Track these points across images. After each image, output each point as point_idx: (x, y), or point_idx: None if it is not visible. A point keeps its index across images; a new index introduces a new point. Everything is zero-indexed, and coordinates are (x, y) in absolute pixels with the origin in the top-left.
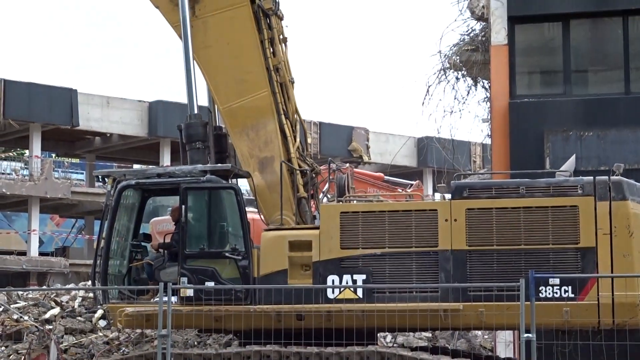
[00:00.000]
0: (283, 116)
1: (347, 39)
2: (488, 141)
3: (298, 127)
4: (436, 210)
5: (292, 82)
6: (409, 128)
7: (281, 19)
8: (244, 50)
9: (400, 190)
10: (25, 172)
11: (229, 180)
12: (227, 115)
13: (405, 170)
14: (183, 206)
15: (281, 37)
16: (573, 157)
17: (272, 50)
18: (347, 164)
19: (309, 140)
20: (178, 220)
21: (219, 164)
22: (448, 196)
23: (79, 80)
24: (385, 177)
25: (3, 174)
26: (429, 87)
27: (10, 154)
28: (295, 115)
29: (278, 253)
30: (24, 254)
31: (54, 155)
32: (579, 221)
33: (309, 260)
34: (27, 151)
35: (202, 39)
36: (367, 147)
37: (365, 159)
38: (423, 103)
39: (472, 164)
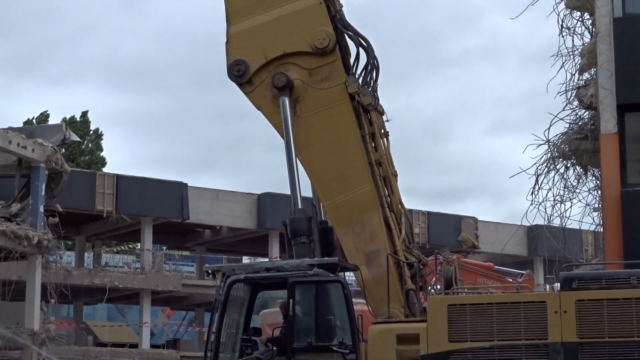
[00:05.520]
0: (387, 209)
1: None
2: (600, 229)
3: (403, 219)
4: (545, 302)
5: (395, 175)
6: (518, 216)
7: (382, 113)
8: (345, 146)
9: (511, 280)
10: (137, 265)
11: (336, 273)
12: (331, 211)
13: (515, 259)
14: (291, 300)
15: (382, 131)
16: None
17: (373, 145)
18: (455, 255)
19: (417, 230)
20: (287, 314)
21: (326, 258)
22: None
23: (189, 173)
24: (495, 266)
25: (116, 267)
26: (537, 176)
27: (123, 247)
28: (400, 207)
29: (386, 346)
30: (135, 346)
31: (164, 248)
32: None
33: (417, 354)
34: (138, 244)
35: (304, 137)
36: (476, 237)
37: (477, 245)
38: (532, 192)
39: (583, 252)
